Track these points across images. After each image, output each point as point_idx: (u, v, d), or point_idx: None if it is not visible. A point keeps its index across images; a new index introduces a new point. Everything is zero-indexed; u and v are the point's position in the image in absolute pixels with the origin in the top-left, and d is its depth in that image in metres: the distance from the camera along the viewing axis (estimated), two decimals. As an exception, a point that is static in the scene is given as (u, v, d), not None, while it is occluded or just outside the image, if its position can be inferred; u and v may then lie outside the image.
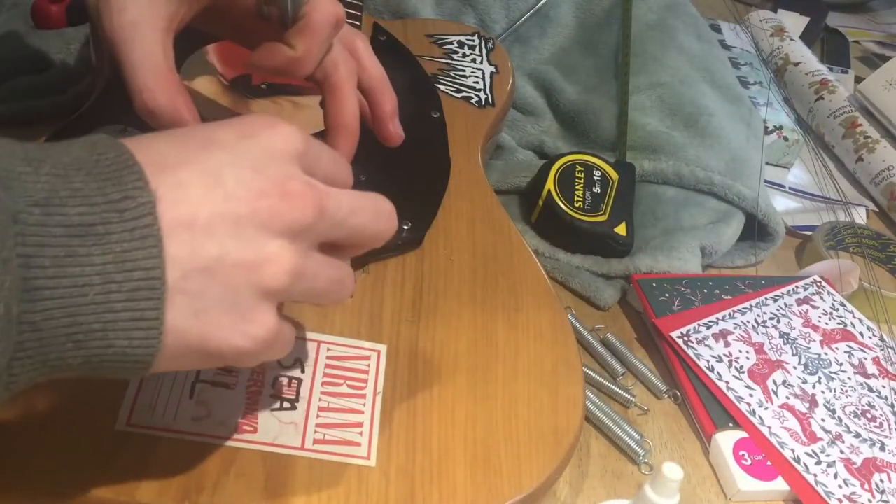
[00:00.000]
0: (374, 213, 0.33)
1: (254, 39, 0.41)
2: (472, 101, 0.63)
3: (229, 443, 0.37)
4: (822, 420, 0.54)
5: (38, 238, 0.24)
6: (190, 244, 0.27)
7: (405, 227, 0.49)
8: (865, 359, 0.61)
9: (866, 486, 0.51)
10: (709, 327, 0.59)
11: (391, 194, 0.36)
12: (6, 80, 0.63)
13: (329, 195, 0.31)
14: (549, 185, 0.63)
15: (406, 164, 0.52)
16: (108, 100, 0.52)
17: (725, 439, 0.52)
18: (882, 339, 0.63)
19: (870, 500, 0.50)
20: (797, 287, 0.66)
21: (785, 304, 0.63)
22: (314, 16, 0.39)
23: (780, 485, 0.50)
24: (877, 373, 0.60)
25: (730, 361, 0.56)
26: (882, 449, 0.54)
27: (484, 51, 0.69)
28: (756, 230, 0.69)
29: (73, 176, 0.26)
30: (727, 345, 0.58)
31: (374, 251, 0.36)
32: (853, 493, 0.50)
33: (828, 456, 0.52)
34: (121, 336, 0.26)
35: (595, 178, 0.65)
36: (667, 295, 0.60)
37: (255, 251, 0.29)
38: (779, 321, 0.61)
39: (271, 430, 0.38)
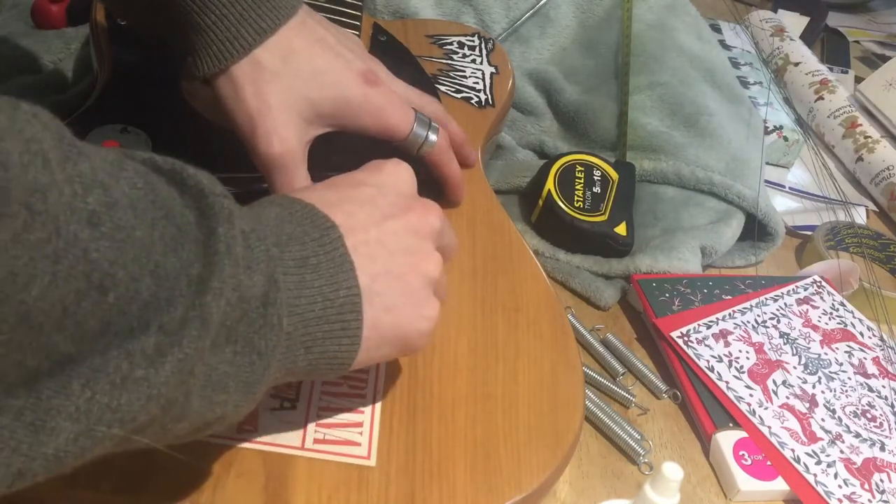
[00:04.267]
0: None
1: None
2: (472, 101, 0.63)
3: (229, 443, 0.37)
4: (822, 420, 0.54)
5: (283, 268, 0.31)
6: (370, 255, 0.35)
7: None
8: (865, 359, 0.61)
9: (866, 486, 0.51)
10: (709, 327, 0.59)
11: None
12: (6, 80, 0.63)
13: None
14: (549, 185, 0.63)
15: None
16: (108, 100, 0.52)
17: (725, 439, 0.52)
18: (882, 339, 0.63)
19: (870, 500, 0.50)
20: (797, 287, 0.66)
21: (785, 304, 0.63)
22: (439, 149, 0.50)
23: (780, 485, 0.50)
24: (877, 373, 0.60)
25: (730, 361, 0.56)
26: (882, 449, 0.54)
27: (484, 51, 0.69)
28: (756, 230, 0.69)
29: (283, 225, 0.33)
30: (727, 345, 0.58)
31: None
32: (853, 493, 0.50)
33: (828, 456, 0.52)
34: (334, 343, 0.33)
35: (595, 178, 0.65)
36: (667, 295, 0.60)
37: (416, 251, 0.37)
38: (779, 321, 0.61)
39: (271, 429, 0.38)
